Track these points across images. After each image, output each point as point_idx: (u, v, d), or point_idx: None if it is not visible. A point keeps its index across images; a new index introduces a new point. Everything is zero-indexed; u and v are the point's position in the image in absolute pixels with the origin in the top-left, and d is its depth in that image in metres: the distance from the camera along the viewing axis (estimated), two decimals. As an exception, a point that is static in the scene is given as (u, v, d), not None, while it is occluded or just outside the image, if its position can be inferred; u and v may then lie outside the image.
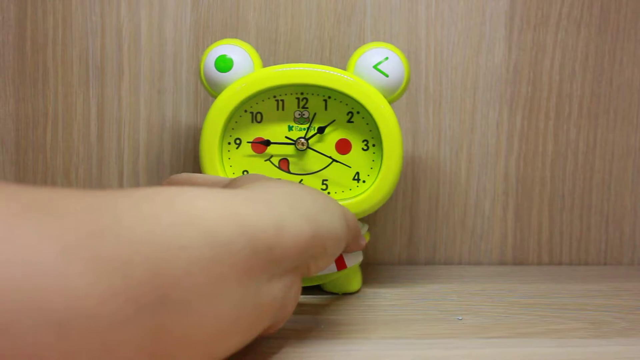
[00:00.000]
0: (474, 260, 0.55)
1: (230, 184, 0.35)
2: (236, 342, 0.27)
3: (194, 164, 0.52)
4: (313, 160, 0.43)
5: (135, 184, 0.51)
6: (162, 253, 0.22)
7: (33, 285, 0.18)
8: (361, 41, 0.52)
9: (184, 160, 0.52)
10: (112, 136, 0.51)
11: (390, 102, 0.42)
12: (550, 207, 0.55)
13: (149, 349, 0.22)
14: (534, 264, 0.55)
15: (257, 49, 0.48)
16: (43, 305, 0.18)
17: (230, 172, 0.43)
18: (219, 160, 0.42)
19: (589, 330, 0.36)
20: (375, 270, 0.51)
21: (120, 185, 0.51)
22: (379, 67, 0.41)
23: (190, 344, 0.23)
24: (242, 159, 0.43)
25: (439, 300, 0.42)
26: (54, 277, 0.19)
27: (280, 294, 0.28)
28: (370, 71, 0.41)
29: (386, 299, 0.42)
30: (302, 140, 0.42)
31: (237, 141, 0.43)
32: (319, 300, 0.42)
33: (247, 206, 0.27)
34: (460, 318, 0.38)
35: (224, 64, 0.42)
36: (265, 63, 0.51)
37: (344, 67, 0.42)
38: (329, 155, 0.43)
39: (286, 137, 0.43)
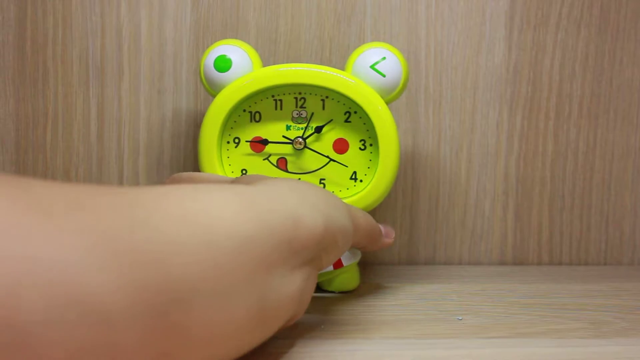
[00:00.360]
0: (474, 260, 0.55)
1: (233, 184, 0.35)
2: (260, 335, 0.27)
3: (194, 163, 0.52)
4: (310, 160, 0.43)
5: (135, 184, 0.51)
6: (189, 248, 0.23)
7: (62, 280, 0.19)
8: (361, 41, 0.52)
9: (184, 160, 0.52)
10: (112, 136, 0.51)
11: (389, 102, 0.42)
12: (550, 207, 0.55)
13: (174, 342, 0.22)
14: (534, 264, 0.55)
15: (257, 49, 0.48)
16: (73, 299, 0.19)
17: (229, 171, 0.43)
18: (217, 158, 0.42)
19: (589, 330, 0.36)
20: (375, 270, 0.51)
21: (120, 186, 0.51)
22: (376, 67, 0.41)
23: (217, 336, 0.24)
24: (241, 158, 0.43)
25: (439, 300, 0.42)
26: (83, 272, 0.19)
27: (300, 286, 0.29)
28: (367, 71, 0.41)
29: (386, 299, 0.42)
30: (300, 139, 0.42)
31: (236, 140, 0.43)
32: (319, 300, 0.42)
33: (263, 201, 0.28)
34: (460, 318, 0.38)
35: (222, 64, 0.42)
36: (265, 63, 0.51)
37: (343, 67, 0.43)
38: (326, 154, 0.43)
39: (284, 137, 0.43)
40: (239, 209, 0.26)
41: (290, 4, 0.51)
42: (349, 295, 0.43)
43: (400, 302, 0.42)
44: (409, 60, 0.52)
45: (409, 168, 0.53)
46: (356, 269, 0.44)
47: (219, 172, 0.42)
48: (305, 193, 0.31)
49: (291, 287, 0.28)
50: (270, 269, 0.26)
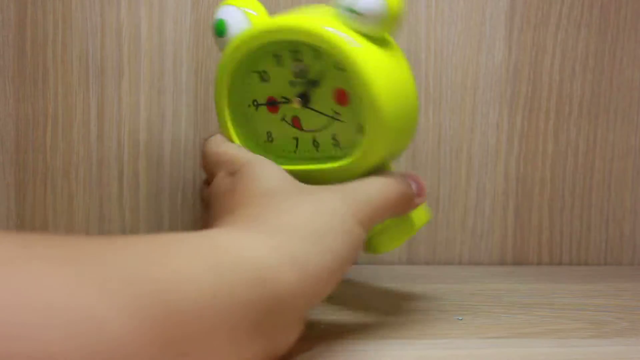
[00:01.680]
0: (474, 260, 0.55)
1: (239, 171, 0.36)
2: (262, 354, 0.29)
3: (194, 164, 0.52)
4: (318, 116, 0.39)
5: (135, 184, 0.51)
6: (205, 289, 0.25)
7: (77, 332, 0.19)
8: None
9: (184, 160, 0.52)
10: (112, 136, 0.51)
11: (385, 35, 0.38)
12: (550, 207, 0.55)
13: None
14: (534, 264, 0.55)
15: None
16: (88, 350, 0.19)
17: (256, 136, 0.41)
18: (230, 121, 0.40)
19: (589, 330, 0.36)
20: (375, 270, 0.51)
21: (120, 186, 0.51)
22: (352, 5, 0.36)
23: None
24: (264, 122, 0.40)
25: (439, 300, 0.42)
26: (97, 321, 0.20)
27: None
28: (343, 12, 0.36)
29: (386, 299, 0.42)
30: (297, 98, 0.38)
31: (255, 103, 0.40)
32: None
33: (300, 249, 0.30)
34: (461, 318, 0.38)
35: (220, 28, 0.39)
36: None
37: None
38: (327, 110, 0.38)
39: (282, 97, 0.39)
40: (276, 260, 0.29)
41: (290, 5, 0.51)
42: (349, 295, 0.43)
43: (400, 302, 0.42)
44: (408, 60, 0.52)
45: (409, 168, 0.53)
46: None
47: (233, 137, 0.40)
48: (325, 236, 0.32)
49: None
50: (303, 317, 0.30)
